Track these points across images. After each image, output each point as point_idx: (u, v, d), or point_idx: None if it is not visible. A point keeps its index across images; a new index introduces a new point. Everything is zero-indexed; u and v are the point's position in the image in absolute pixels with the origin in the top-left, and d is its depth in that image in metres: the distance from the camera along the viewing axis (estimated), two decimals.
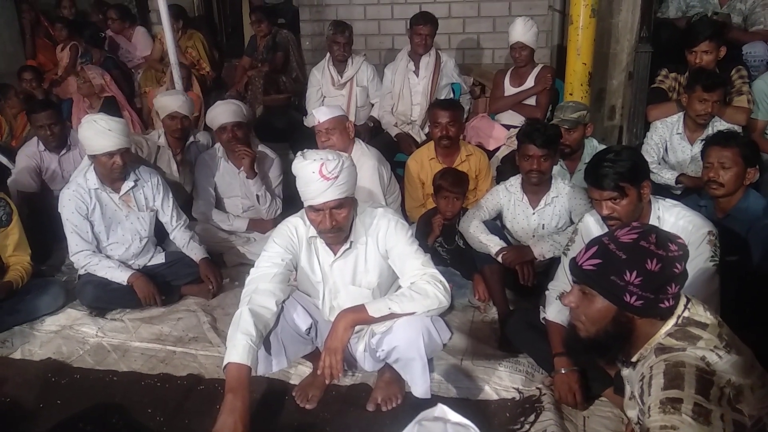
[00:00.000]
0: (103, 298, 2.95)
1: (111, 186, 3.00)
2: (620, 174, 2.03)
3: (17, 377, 2.47)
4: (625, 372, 1.58)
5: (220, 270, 3.30)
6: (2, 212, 2.87)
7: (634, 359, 1.49)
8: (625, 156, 2.07)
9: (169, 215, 3.18)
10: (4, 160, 3.93)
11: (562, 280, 2.31)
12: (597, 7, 3.34)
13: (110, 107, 4.48)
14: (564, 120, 3.02)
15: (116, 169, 2.89)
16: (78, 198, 2.93)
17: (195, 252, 3.19)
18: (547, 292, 2.33)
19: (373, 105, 4.45)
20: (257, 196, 3.58)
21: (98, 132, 2.81)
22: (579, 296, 1.51)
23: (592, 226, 2.28)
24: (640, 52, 3.80)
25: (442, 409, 0.94)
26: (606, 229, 2.17)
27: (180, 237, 3.21)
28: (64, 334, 2.79)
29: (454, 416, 0.91)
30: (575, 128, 3.04)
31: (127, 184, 3.02)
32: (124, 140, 2.87)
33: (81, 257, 2.95)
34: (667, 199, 2.23)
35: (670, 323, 1.44)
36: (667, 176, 3.21)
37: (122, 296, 2.94)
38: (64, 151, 3.74)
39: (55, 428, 2.15)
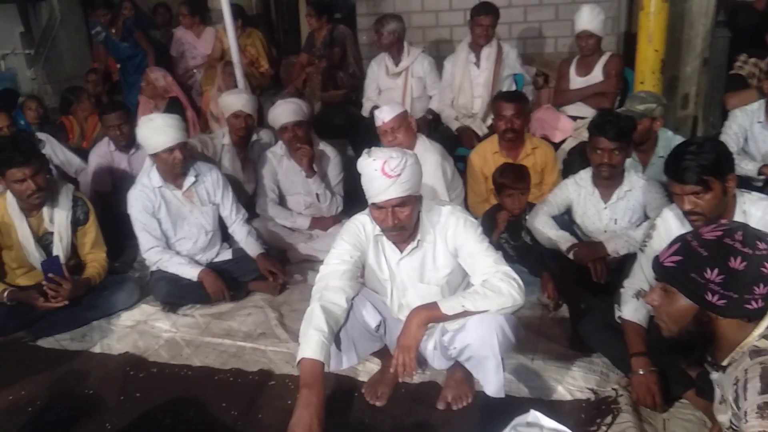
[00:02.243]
0: (176, 293, 3.04)
1: (174, 183, 3.08)
2: (703, 167, 1.93)
3: (98, 371, 2.57)
4: (715, 376, 1.51)
5: (284, 266, 3.34)
6: (80, 211, 2.99)
7: (725, 363, 1.43)
8: (708, 148, 1.97)
9: (228, 209, 3.24)
10: (77, 161, 4.09)
11: (638, 278, 2.23)
12: None
13: (174, 108, 4.62)
14: (629, 110, 2.90)
15: (177, 164, 2.97)
16: (144, 197, 3.03)
17: (252, 247, 3.23)
18: (622, 290, 2.25)
19: (431, 97, 4.41)
20: (317, 194, 3.62)
21: (154, 130, 2.90)
22: (661, 294, 1.46)
23: (672, 222, 2.18)
24: (716, 37, 3.63)
25: (535, 415, 0.91)
26: (687, 224, 2.09)
27: (239, 231, 3.27)
28: (139, 329, 2.89)
29: (549, 422, 0.88)
30: (641, 120, 2.92)
31: (189, 180, 3.10)
32: (181, 135, 2.95)
33: (153, 254, 3.05)
34: (753, 193, 2.12)
35: (764, 325, 1.37)
36: (749, 167, 3.05)
37: (193, 291, 3.02)
38: (133, 151, 3.86)
39: (135, 420, 2.22)
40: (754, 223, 1.91)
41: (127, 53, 5.64)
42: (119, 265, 3.45)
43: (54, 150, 4.00)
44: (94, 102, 4.99)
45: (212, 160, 3.60)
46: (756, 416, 1.23)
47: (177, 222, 3.12)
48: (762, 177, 3.04)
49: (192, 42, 5.74)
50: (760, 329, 1.36)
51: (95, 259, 3.05)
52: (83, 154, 4.16)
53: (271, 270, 3.16)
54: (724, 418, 1.47)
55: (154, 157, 2.99)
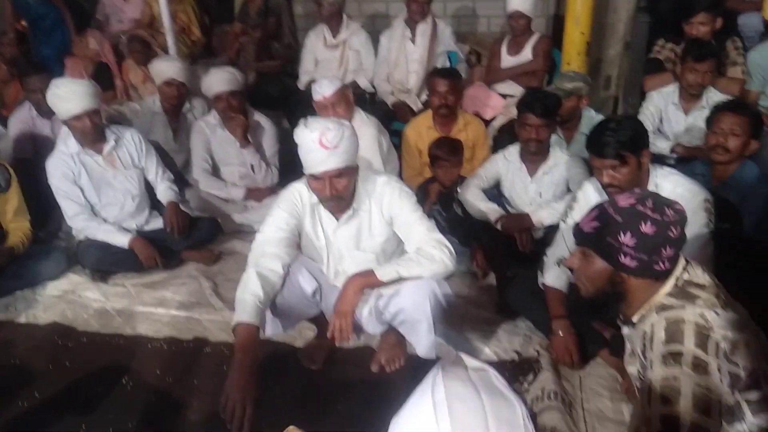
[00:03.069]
0: (106, 260, 2.97)
1: (92, 148, 2.98)
2: (621, 143, 2.07)
3: (25, 341, 2.51)
4: (626, 331, 1.65)
5: (217, 236, 3.33)
6: (1, 178, 2.87)
7: (635, 319, 1.56)
8: (626, 125, 2.11)
9: (154, 172, 3.19)
10: None
11: (560, 247, 2.36)
12: None
13: (103, 73, 4.43)
14: (559, 89, 3.05)
15: (88, 132, 2.88)
16: (63, 164, 2.93)
17: (164, 195, 3.17)
18: (545, 258, 2.39)
19: (365, 70, 4.43)
20: (251, 165, 3.59)
21: (61, 97, 2.80)
22: (580, 258, 1.59)
23: (591, 194, 2.33)
24: (638, 22, 3.82)
25: (459, 356, 0.98)
26: (605, 196, 2.23)
27: (162, 189, 3.21)
28: (67, 299, 2.82)
29: (472, 361, 0.96)
30: (568, 98, 3.07)
31: (108, 145, 3.01)
32: (90, 101, 2.84)
33: (79, 221, 2.97)
34: (665, 167, 2.28)
35: (669, 284, 1.51)
36: (663, 146, 3.26)
37: (124, 259, 2.96)
38: (56, 116, 3.69)
39: (66, 389, 2.20)
40: (665, 195, 2.07)
41: (37, 11, 5.10)
42: (44, 235, 3.32)
43: None
44: (11, 65, 4.69)
45: (143, 129, 3.50)
46: (660, 364, 1.37)
47: (101, 188, 3.03)
48: (674, 155, 3.26)
49: (119, 5, 5.47)
50: (666, 288, 1.50)
51: (18, 228, 2.94)
52: (3, 122, 3.94)
53: (173, 222, 3.07)
54: (633, 369, 1.61)
55: (66, 123, 2.89)
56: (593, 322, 2.27)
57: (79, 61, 4.57)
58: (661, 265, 1.47)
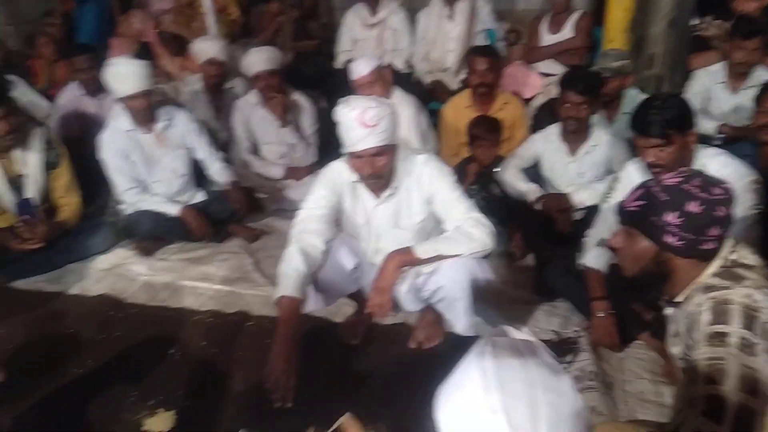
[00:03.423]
0: (158, 229, 3.06)
1: (144, 126, 3.05)
2: (667, 121, 2.03)
3: (76, 311, 2.61)
4: (670, 311, 1.64)
5: (258, 214, 3.41)
6: (52, 155, 2.96)
7: (679, 299, 1.55)
8: (672, 103, 2.07)
9: (205, 152, 3.24)
10: (46, 105, 3.99)
11: (600, 228, 2.34)
12: None
13: (144, 54, 4.49)
14: (605, 68, 2.99)
15: (141, 112, 2.94)
16: (116, 140, 3.01)
17: (224, 174, 3.25)
18: (585, 239, 2.37)
19: (401, 50, 4.41)
20: (290, 144, 3.63)
21: (117, 76, 2.86)
22: (624, 237, 1.57)
23: (634, 174, 2.29)
24: None
25: (507, 329, 1.01)
26: (648, 176, 2.20)
27: (215, 169, 3.27)
28: (115, 272, 2.92)
29: (519, 333, 0.98)
30: (615, 77, 3.02)
31: (161, 124, 3.07)
32: (144, 83, 2.89)
33: (130, 195, 3.06)
34: (711, 148, 2.24)
35: (716, 264, 1.49)
36: (709, 126, 3.18)
37: (175, 227, 3.05)
38: (103, 95, 3.78)
39: (116, 358, 2.29)
40: None
41: None
42: (93, 210, 3.43)
43: (24, 93, 3.89)
44: (58, 47, 4.81)
45: (175, 102, 3.57)
46: (706, 344, 1.36)
47: (150, 166, 3.10)
48: (721, 136, 3.17)
49: None
50: (712, 268, 1.48)
51: (69, 203, 3.03)
52: (52, 100, 4.06)
53: (238, 203, 3.18)
54: (676, 349, 1.60)
55: (119, 101, 2.95)
56: (634, 304, 2.25)
57: (125, 41, 4.65)
58: (708, 245, 1.45)
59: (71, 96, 3.80)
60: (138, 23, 4.60)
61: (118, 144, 3.00)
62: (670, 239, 1.45)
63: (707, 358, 1.33)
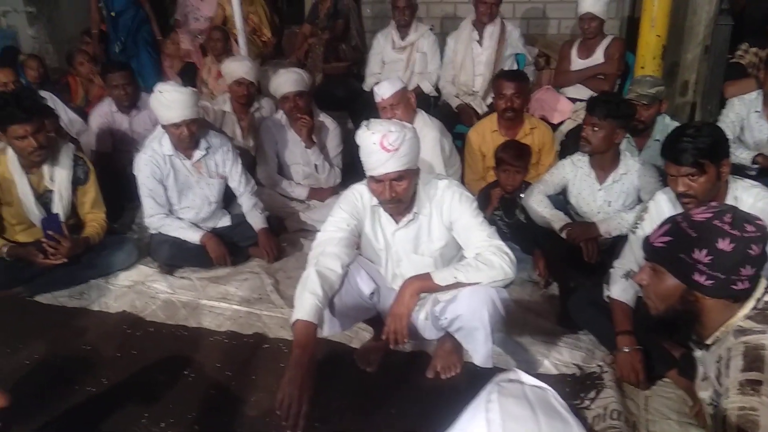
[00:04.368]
0: (178, 256, 3.08)
1: (184, 153, 3.08)
2: (700, 150, 1.97)
3: (96, 328, 2.62)
4: (699, 353, 1.56)
5: (281, 235, 3.41)
6: (81, 171, 3.01)
7: (709, 341, 1.48)
8: (705, 132, 2.01)
9: (237, 181, 3.24)
10: (79, 121, 4.08)
11: (628, 259, 2.27)
12: None
13: (188, 72, 4.61)
14: (642, 95, 2.93)
15: (184, 140, 2.96)
16: (153, 163, 3.03)
17: (255, 220, 3.25)
18: (611, 270, 2.30)
19: (429, 73, 4.41)
20: (315, 165, 3.64)
21: (163, 104, 2.87)
22: (650, 274, 1.51)
23: (664, 205, 2.23)
24: (719, 24, 3.63)
25: (516, 373, 0.95)
26: (679, 208, 2.13)
27: (246, 202, 3.28)
28: (136, 289, 2.93)
29: (530, 379, 0.92)
30: (652, 104, 2.95)
31: (200, 152, 3.10)
32: (190, 111, 2.90)
33: (155, 220, 3.08)
34: (745, 180, 2.16)
35: (749, 306, 1.41)
36: (743, 156, 3.09)
37: (195, 255, 3.07)
38: (135, 112, 3.86)
39: (132, 377, 2.28)
40: (745, 209, 1.95)
41: (120, 5, 5.13)
42: (118, 227, 3.48)
43: (57, 109, 3.99)
44: (95, 64, 4.94)
45: (215, 127, 3.61)
46: (737, 392, 1.29)
47: (183, 191, 3.13)
48: (756, 166, 3.07)
49: (196, 4, 5.66)
50: (745, 310, 1.41)
51: (94, 219, 3.07)
52: (86, 117, 4.15)
53: (267, 249, 3.19)
54: (705, 394, 1.52)
55: (164, 128, 2.99)
56: (661, 340, 2.16)
57: (169, 59, 4.76)
58: (740, 284, 1.38)
59: (104, 112, 3.89)
60: (186, 43, 4.72)
61: (154, 167, 3.03)
62: (699, 278, 1.38)
63: (738, 408, 1.25)
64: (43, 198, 2.93)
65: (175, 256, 3.08)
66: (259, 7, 5.44)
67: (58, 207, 2.93)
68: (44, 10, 6.13)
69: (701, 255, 1.37)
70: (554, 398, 0.84)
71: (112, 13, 4.85)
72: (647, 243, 1.51)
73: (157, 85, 2.95)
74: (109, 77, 3.78)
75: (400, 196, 2.04)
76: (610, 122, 2.61)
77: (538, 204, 2.83)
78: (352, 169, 3.62)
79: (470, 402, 0.88)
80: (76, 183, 3.00)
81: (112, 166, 3.66)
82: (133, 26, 5.13)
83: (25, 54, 5.05)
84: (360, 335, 2.49)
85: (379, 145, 1.95)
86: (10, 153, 2.83)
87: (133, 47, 5.10)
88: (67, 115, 4.02)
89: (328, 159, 3.71)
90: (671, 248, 1.43)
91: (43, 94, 3.75)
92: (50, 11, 6.14)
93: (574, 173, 2.86)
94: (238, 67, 3.73)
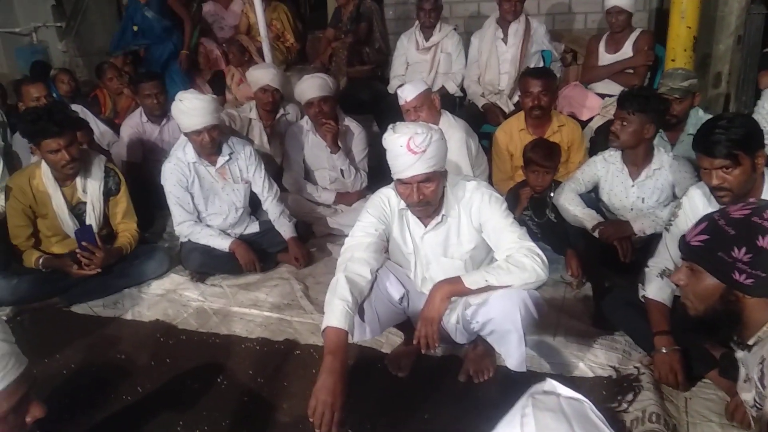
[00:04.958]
0: (208, 264, 3.11)
1: (207, 159, 3.11)
2: (734, 141, 1.91)
3: (130, 337, 2.66)
4: (740, 354, 1.51)
5: (309, 240, 3.43)
6: (112, 182, 3.06)
7: (751, 342, 1.43)
8: (739, 123, 1.95)
9: (260, 186, 3.26)
10: (110, 133, 4.16)
11: (663, 257, 2.22)
12: None
13: (218, 80, 4.67)
14: (674, 89, 2.86)
15: (206, 146, 3.00)
16: (179, 171, 3.07)
17: (284, 229, 3.26)
18: (647, 269, 2.24)
19: (454, 74, 4.37)
20: (341, 170, 3.64)
21: (183, 111, 2.91)
22: (687, 273, 1.47)
23: (698, 200, 2.17)
24: (751, 14, 3.53)
25: (551, 384, 0.92)
26: (713, 203, 2.07)
27: (272, 210, 3.29)
28: (169, 298, 2.97)
29: (566, 390, 0.89)
30: (685, 98, 2.88)
31: (223, 158, 3.13)
32: (210, 118, 2.93)
33: (185, 227, 3.12)
34: None
35: None
36: None
37: (225, 262, 3.10)
38: (164, 122, 3.91)
39: (165, 384, 2.30)
40: None
41: (151, 26, 5.15)
42: (149, 236, 3.52)
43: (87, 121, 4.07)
44: (124, 78, 5.02)
45: (239, 134, 3.64)
46: None
47: (209, 197, 3.16)
48: None
49: (220, 13, 5.73)
50: None
51: (126, 229, 3.12)
52: (116, 129, 4.23)
53: (297, 257, 3.20)
54: (748, 396, 1.47)
55: (186, 135, 3.03)
56: (701, 342, 2.09)
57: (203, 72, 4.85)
58: None
59: (134, 123, 3.96)
60: (215, 51, 4.79)
61: (180, 174, 3.07)
62: (739, 277, 1.34)
63: None
64: (77, 210, 2.99)
65: (205, 264, 3.11)
66: (282, 13, 5.48)
67: (91, 218, 2.99)
68: (73, 24, 6.27)
69: (740, 253, 1.33)
70: (591, 411, 0.81)
71: (134, 27, 4.91)
72: (684, 242, 1.46)
73: (177, 94, 2.99)
74: (142, 87, 3.84)
75: (428, 198, 2.03)
76: (639, 117, 2.55)
77: (569, 203, 2.78)
78: (378, 173, 3.61)
79: (504, 407, 0.85)
80: (108, 194, 3.05)
81: (142, 176, 3.71)
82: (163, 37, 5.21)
83: (56, 68, 5.15)
84: (390, 340, 2.48)
85: (406, 147, 1.94)
86: (44, 166, 2.89)
87: (162, 61, 5.18)
88: (98, 128, 4.10)
89: (354, 163, 3.71)
90: (709, 247, 1.39)
91: (75, 107, 3.84)
92: (79, 25, 6.28)
93: (606, 169, 2.80)
94: (263, 75, 3.76)
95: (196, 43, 5.43)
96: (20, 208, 2.90)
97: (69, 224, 2.96)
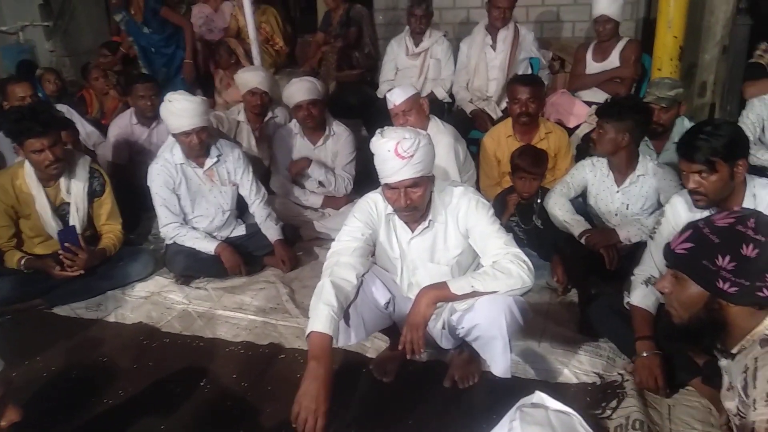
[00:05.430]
0: (193, 267, 3.09)
1: (195, 161, 3.09)
2: (713, 149, 1.94)
3: (113, 339, 2.63)
4: (724, 363, 1.52)
5: (296, 243, 3.41)
6: (97, 183, 3.03)
7: (734, 350, 1.44)
8: (723, 131, 1.97)
9: (248, 189, 3.25)
10: (96, 134, 4.12)
11: (648, 265, 2.24)
12: None
13: (206, 81, 4.66)
14: (660, 98, 2.89)
15: (195, 147, 2.98)
16: (165, 172, 3.05)
17: (271, 232, 3.24)
18: (632, 277, 2.26)
19: (443, 80, 4.39)
20: (319, 182, 3.62)
21: (172, 112, 2.89)
22: (672, 281, 1.48)
23: (680, 207, 2.19)
24: (737, 24, 3.57)
25: (540, 396, 0.92)
26: (695, 210, 2.09)
27: (259, 213, 3.27)
28: (153, 300, 2.94)
29: (554, 403, 0.89)
30: (671, 107, 2.91)
31: (210, 160, 3.11)
32: (199, 119, 2.92)
33: (170, 229, 3.09)
34: (763, 178, 2.11)
35: None
36: (765, 157, 3.03)
37: (210, 265, 3.07)
38: (154, 125, 3.88)
39: (148, 388, 2.27)
40: (763, 207, 1.92)
41: (154, 41, 4.93)
42: (134, 237, 3.50)
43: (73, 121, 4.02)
44: (111, 78, 4.97)
45: (227, 136, 3.62)
46: (765, 404, 1.25)
47: (195, 199, 3.14)
48: None
49: (210, 16, 5.70)
50: None
51: (111, 231, 3.09)
52: (102, 129, 4.19)
53: (284, 260, 3.18)
54: (731, 404, 1.48)
55: (174, 136, 3.01)
56: (686, 350, 2.11)
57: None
58: (765, 291, 1.34)
59: (123, 124, 3.93)
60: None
61: (167, 176, 3.05)
62: (723, 285, 1.35)
63: (766, 420, 1.21)
64: (60, 210, 2.95)
65: (190, 267, 3.09)
66: (271, 16, 5.47)
67: (75, 219, 2.96)
68: (60, 24, 6.22)
69: (725, 261, 1.34)
70: (580, 425, 0.81)
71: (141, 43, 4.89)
72: (669, 250, 1.47)
73: (167, 95, 2.97)
74: (136, 88, 3.81)
75: (415, 203, 2.02)
76: (614, 125, 2.60)
77: (559, 208, 2.80)
78: (365, 177, 3.61)
79: (489, 413, 0.85)
80: (93, 195, 3.02)
81: (128, 178, 3.68)
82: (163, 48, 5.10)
83: (42, 68, 5.10)
84: (376, 344, 2.47)
85: (394, 152, 1.93)
86: (27, 166, 2.86)
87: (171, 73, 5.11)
88: (84, 128, 4.06)
89: (342, 167, 3.69)
90: (693, 255, 1.40)
91: (60, 107, 3.80)
92: (66, 24, 6.23)
93: (594, 174, 2.83)
94: (251, 78, 3.74)
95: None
96: (2, 209, 2.86)
97: (52, 225, 2.92)
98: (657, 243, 2.17)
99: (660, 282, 1.50)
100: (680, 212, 2.17)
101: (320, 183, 3.64)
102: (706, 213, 2.05)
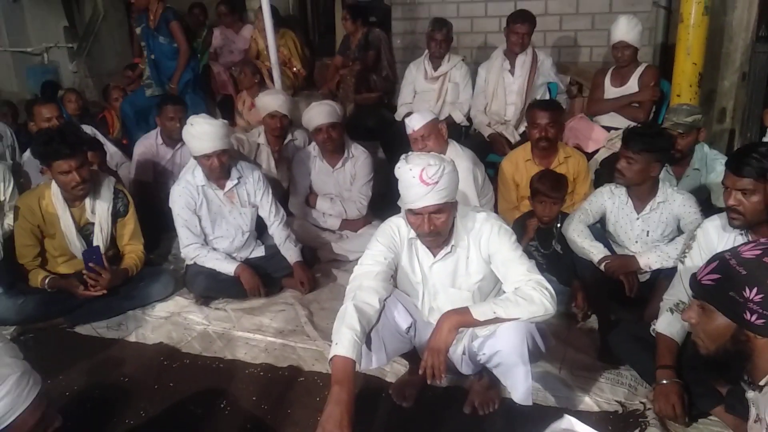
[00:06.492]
0: (213, 287, 3.11)
1: (216, 183, 3.13)
2: (764, 169, 1.95)
3: (133, 359, 2.65)
4: (751, 395, 1.50)
5: (314, 265, 3.43)
6: (120, 204, 3.08)
7: (762, 382, 1.42)
8: None
9: (267, 210, 3.28)
10: (119, 154, 4.19)
11: (677, 289, 2.22)
12: (710, 4, 3.18)
13: (226, 104, 4.70)
14: (678, 124, 2.89)
15: (215, 170, 3.02)
16: (187, 194, 3.09)
17: (290, 253, 3.26)
18: (661, 303, 2.24)
19: (461, 103, 4.42)
20: (347, 195, 3.65)
21: (194, 135, 2.94)
22: (698, 312, 1.47)
23: (712, 232, 2.18)
24: (757, 51, 3.58)
25: (569, 421, 0.92)
26: (727, 235, 2.10)
27: (278, 234, 3.30)
28: (173, 321, 2.96)
29: (583, 428, 0.89)
30: (689, 133, 2.91)
31: (231, 182, 3.15)
32: (221, 143, 2.96)
33: (191, 250, 3.12)
34: None
35: None
36: None
37: (230, 287, 3.09)
38: (179, 146, 3.93)
39: (168, 409, 2.29)
40: None
41: (165, 50, 5.03)
42: (155, 258, 3.53)
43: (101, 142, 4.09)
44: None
45: (248, 159, 3.66)
46: None
47: (216, 220, 3.18)
48: None
49: (231, 38, 5.81)
50: None
51: (133, 251, 3.13)
52: (124, 149, 4.25)
53: (303, 281, 3.19)
54: None
55: (196, 158, 3.05)
56: (712, 380, 2.08)
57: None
58: None
59: (149, 143, 4.00)
60: (222, 74, 4.84)
61: (188, 197, 3.09)
62: (750, 317, 1.34)
63: None
64: (84, 230, 3.00)
65: (210, 287, 3.11)
66: (289, 40, 5.54)
67: (99, 239, 3.00)
68: (84, 46, 6.36)
69: (752, 293, 1.33)
70: None
71: (152, 56, 4.94)
72: (695, 281, 1.47)
73: (189, 118, 3.01)
74: (166, 109, 3.87)
75: (438, 229, 2.03)
76: (645, 156, 2.57)
77: (578, 234, 2.78)
78: (384, 200, 3.63)
79: None
80: (116, 215, 3.07)
81: (150, 198, 3.73)
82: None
83: (63, 88, 5.20)
84: (395, 369, 2.46)
85: (419, 178, 1.95)
86: (54, 187, 2.91)
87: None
88: (107, 149, 4.12)
89: (359, 189, 3.71)
90: (720, 286, 1.39)
91: (86, 128, 3.87)
92: (90, 46, 6.37)
93: (612, 201, 2.82)
94: (271, 101, 3.80)
95: (205, 66, 5.48)
96: (28, 228, 2.91)
97: (76, 245, 2.96)
98: (687, 268, 2.16)
99: (686, 312, 1.50)
100: (712, 236, 2.17)
101: (347, 197, 3.66)
102: (738, 238, 2.06)
